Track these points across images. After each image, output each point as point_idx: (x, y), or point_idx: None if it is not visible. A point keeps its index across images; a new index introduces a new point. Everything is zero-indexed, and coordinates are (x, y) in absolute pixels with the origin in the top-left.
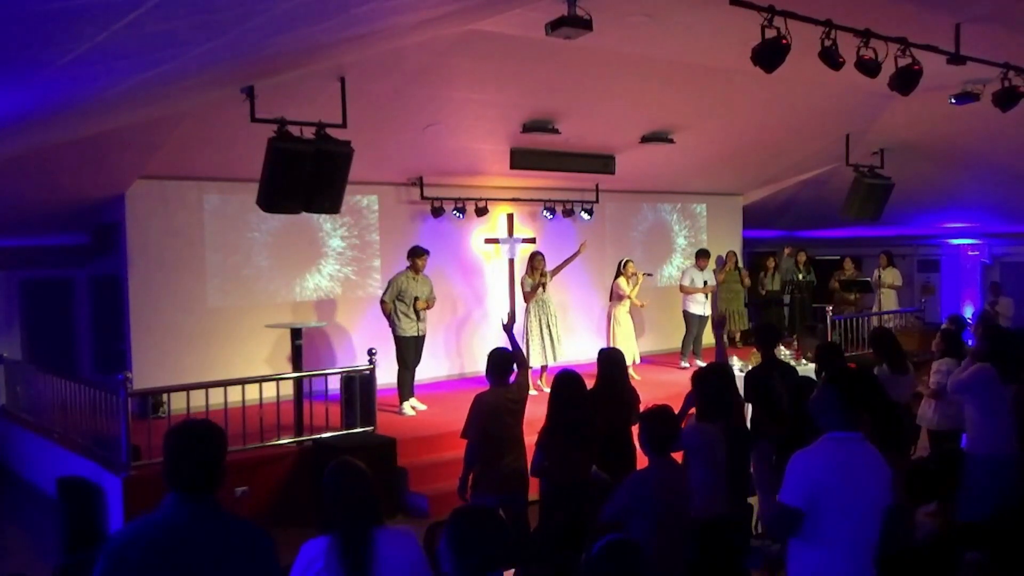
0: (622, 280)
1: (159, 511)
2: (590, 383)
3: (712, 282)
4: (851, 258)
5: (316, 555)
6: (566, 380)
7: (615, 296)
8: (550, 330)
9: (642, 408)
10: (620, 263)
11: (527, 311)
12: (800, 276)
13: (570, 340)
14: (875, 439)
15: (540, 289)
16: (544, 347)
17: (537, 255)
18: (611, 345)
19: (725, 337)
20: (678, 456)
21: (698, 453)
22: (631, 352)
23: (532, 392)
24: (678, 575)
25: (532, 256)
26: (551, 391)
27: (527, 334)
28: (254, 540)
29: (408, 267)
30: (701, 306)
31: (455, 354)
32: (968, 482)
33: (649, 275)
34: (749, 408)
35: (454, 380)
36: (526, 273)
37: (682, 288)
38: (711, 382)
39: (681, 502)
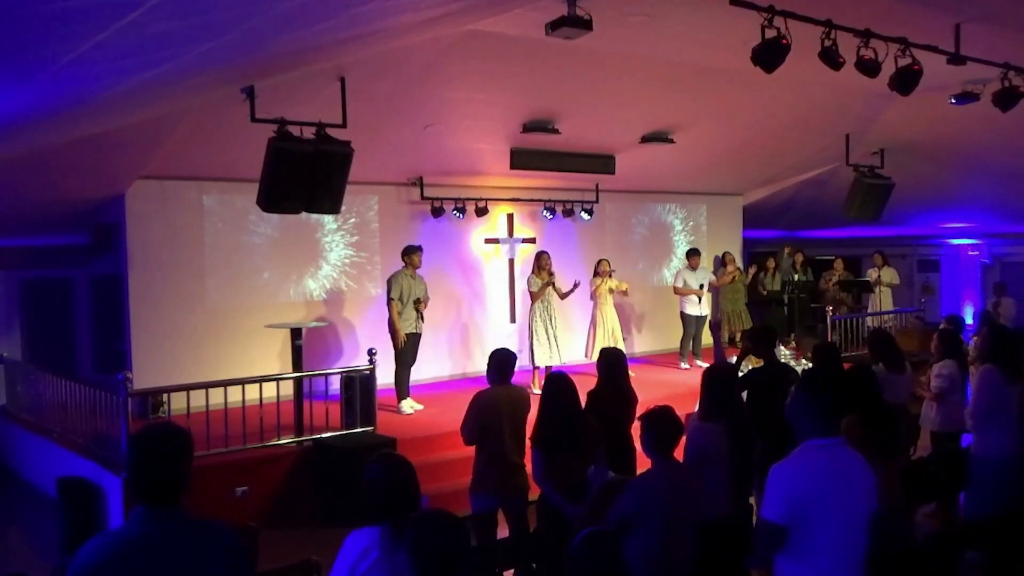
0: (596, 278)
1: (126, 526)
2: (589, 382)
3: (707, 284)
4: (845, 259)
5: (370, 545)
6: (556, 383)
7: (592, 295)
8: (553, 330)
9: (639, 409)
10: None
11: (532, 311)
12: (796, 276)
13: (570, 340)
14: (866, 440)
15: (550, 288)
16: (549, 347)
17: (543, 254)
18: (592, 345)
19: (725, 337)
20: (679, 455)
21: (700, 453)
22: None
23: (536, 391)
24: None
25: (538, 255)
26: (542, 393)
27: (532, 334)
28: (225, 543)
29: (405, 265)
30: (697, 307)
31: (455, 354)
32: (973, 482)
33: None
34: None
35: (454, 380)
36: (532, 272)
37: (676, 290)
38: (717, 381)
39: (688, 502)
